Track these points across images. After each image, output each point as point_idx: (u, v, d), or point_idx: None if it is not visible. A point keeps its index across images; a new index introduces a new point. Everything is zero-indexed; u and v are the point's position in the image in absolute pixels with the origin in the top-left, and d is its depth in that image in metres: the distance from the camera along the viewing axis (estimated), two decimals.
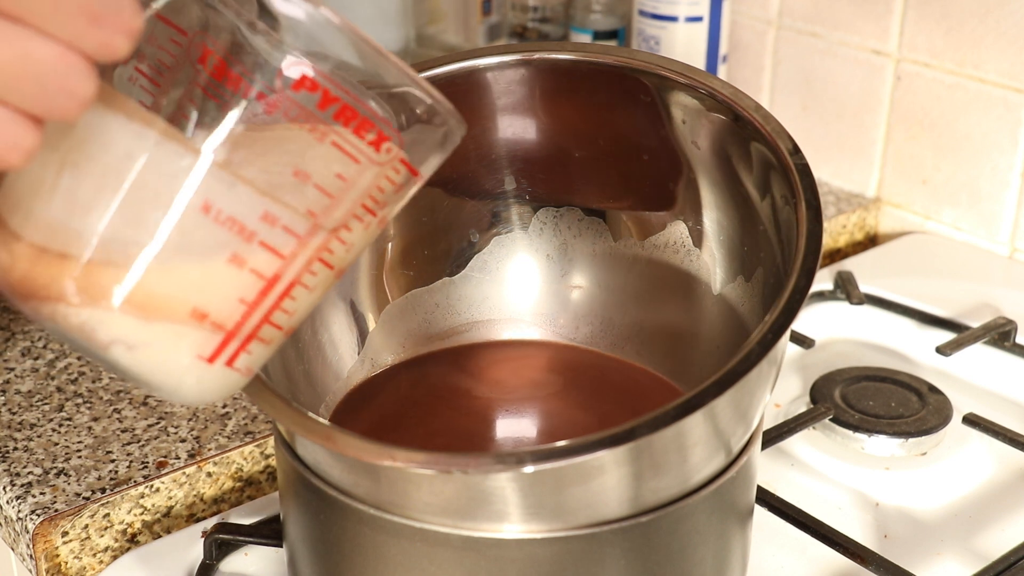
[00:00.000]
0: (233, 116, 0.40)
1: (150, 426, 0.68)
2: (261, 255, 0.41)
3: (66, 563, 0.62)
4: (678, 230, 0.60)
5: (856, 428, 0.70)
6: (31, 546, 0.61)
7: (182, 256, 0.40)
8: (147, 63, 0.42)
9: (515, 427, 0.60)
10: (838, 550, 0.59)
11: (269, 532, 0.59)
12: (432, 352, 0.64)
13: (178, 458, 0.65)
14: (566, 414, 0.60)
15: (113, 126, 0.39)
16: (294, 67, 0.40)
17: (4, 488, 0.63)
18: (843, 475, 0.69)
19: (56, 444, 0.66)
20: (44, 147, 0.38)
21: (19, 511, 0.62)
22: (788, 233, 0.50)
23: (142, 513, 0.64)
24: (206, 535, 0.60)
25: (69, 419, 0.68)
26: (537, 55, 0.58)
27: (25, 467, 0.64)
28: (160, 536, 0.64)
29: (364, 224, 0.43)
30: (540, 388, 0.62)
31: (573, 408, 0.60)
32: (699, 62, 1.01)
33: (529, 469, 0.43)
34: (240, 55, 0.40)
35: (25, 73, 0.34)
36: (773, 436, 0.68)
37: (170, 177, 0.39)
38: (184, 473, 0.65)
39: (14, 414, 0.69)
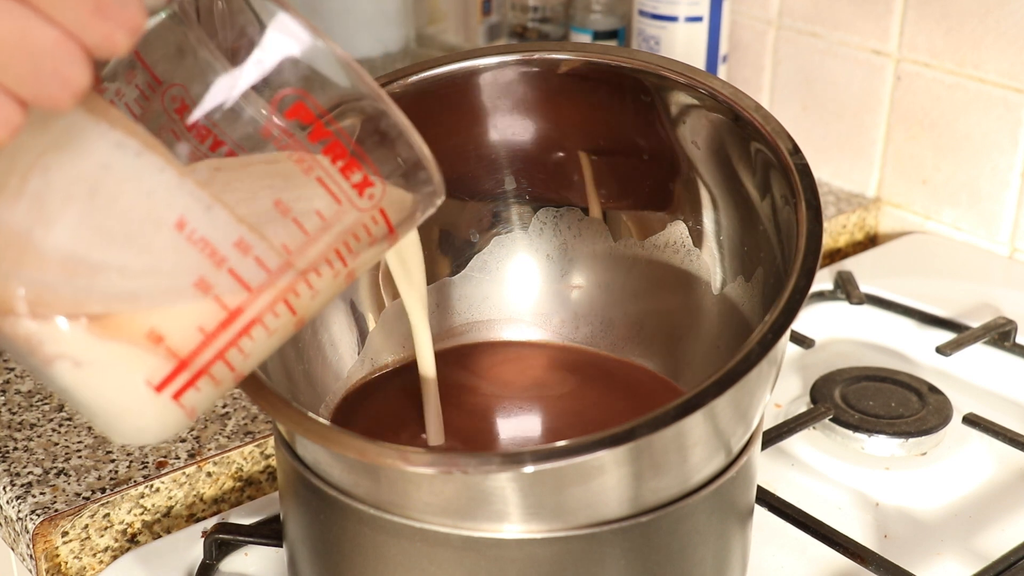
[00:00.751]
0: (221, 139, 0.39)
1: None
2: (228, 284, 0.39)
3: (66, 563, 0.62)
4: (678, 230, 0.60)
5: (856, 428, 0.70)
6: (31, 546, 0.61)
7: (147, 273, 0.38)
8: (124, 99, 0.41)
9: (516, 426, 0.60)
10: (838, 550, 0.59)
11: (269, 532, 0.59)
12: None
13: (178, 458, 0.65)
14: (568, 413, 0.60)
15: (93, 133, 0.38)
16: (289, 95, 0.39)
17: (4, 488, 0.63)
18: (843, 475, 0.69)
19: (56, 444, 0.66)
20: (14, 146, 0.36)
21: (19, 511, 0.62)
22: (788, 233, 0.50)
23: (142, 513, 0.64)
24: (206, 535, 0.60)
25: (69, 419, 0.68)
26: (537, 55, 0.58)
27: (25, 467, 0.64)
28: (160, 536, 0.64)
29: (333, 272, 0.42)
30: (541, 387, 0.62)
31: (575, 407, 0.60)
32: (699, 62, 1.01)
33: (529, 469, 0.43)
34: (220, 107, 0.39)
35: (20, 52, 0.34)
36: (773, 436, 0.68)
37: (147, 190, 0.38)
38: (184, 473, 0.65)
39: (14, 414, 0.69)
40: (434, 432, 0.56)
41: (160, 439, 0.41)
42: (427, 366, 0.56)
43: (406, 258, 0.52)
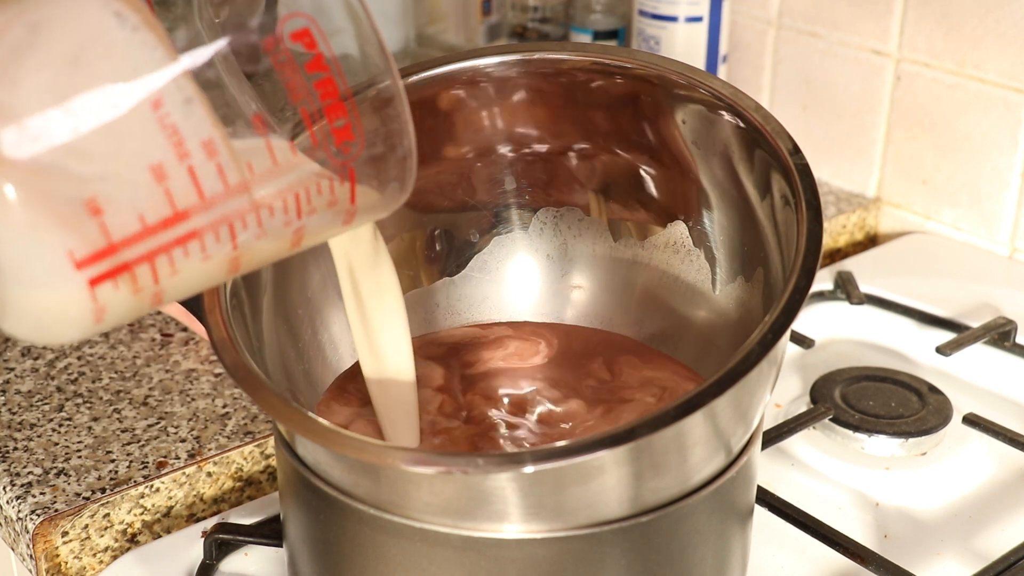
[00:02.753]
0: (222, 38, 0.38)
1: (150, 426, 0.68)
2: (183, 182, 0.37)
3: (66, 563, 0.62)
4: (678, 230, 0.60)
5: (856, 428, 0.70)
6: (31, 546, 0.61)
7: (107, 141, 0.36)
8: None
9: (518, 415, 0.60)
10: (838, 550, 0.59)
11: (269, 532, 0.59)
12: (430, 336, 0.63)
13: (178, 458, 0.65)
14: (572, 401, 0.60)
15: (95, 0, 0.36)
16: (299, 19, 0.38)
17: (4, 488, 0.63)
18: (843, 475, 0.69)
19: (56, 444, 0.66)
20: None
21: (19, 511, 0.62)
22: (788, 233, 0.50)
23: (142, 513, 0.64)
24: (206, 535, 0.60)
25: (69, 419, 0.68)
26: (537, 55, 0.58)
27: (25, 467, 0.64)
28: (160, 536, 0.64)
29: (285, 219, 0.40)
30: (545, 370, 0.61)
31: (580, 393, 0.60)
32: (699, 62, 1.01)
33: (529, 469, 0.43)
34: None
35: None
36: (773, 436, 0.68)
37: (133, 64, 0.36)
38: (184, 473, 0.65)
39: (14, 414, 0.69)
40: (412, 436, 0.55)
41: (55, 333, 0.38)
42: (407, 369, 0.53)
43: (379, 254, 0.51)
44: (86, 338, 0.43)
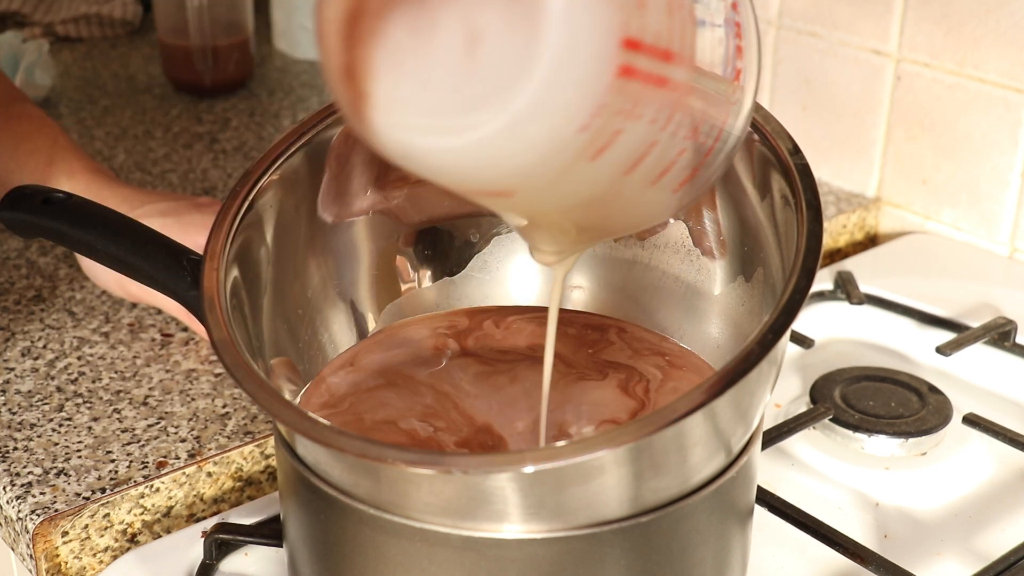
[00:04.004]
0: None
1: (150, 426, 0.68)
2: (682, 73, 0.37)
3: (66, 563, 0.62)
4: (678, 230, 0.61)
5: (856, 428, 0.70)
6: (31, 546, 0.61)
7: None
8: None
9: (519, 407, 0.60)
10: (838, 550, 0.59)
11: (269, 532, 0.60)
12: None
13: (178, 458, 0.65)
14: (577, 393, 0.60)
15: None
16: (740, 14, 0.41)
17: (4, 488, 0.63)
18: (843, 475, 0.69)
19: (56, 444, 0.66)
20: None
21: (19, 511, 0.62)
22: (788, 233, 0.50)
23: (142, 513, 0.64)
24: (206, 535, 0.60)
25: (69, 419, 0.68)
26: None
27: (25, 467, 0.64)
28: (160, 536, 0.64)
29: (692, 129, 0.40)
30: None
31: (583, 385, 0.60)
32: None
33: (529, 469, 0.43)
34: None
35: None
36: (773, 436, 0.68)
37: None
38: (184, 473, 0.65)
39: (14, 414, 0.69)
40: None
41: (524, 147, 0.36)
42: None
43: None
44: (540, 205, 0.41)
